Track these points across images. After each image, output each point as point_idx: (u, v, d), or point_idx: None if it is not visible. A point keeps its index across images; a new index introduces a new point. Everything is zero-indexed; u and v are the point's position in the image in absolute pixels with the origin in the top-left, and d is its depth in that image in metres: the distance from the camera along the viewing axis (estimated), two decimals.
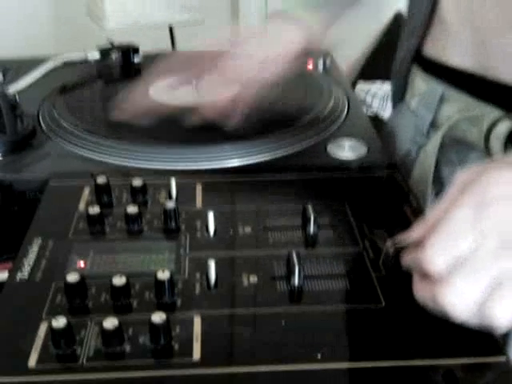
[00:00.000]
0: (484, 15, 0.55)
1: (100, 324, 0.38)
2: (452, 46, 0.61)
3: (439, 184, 0.64)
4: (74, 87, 0.78)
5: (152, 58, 0.87)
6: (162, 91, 0.75)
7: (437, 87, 0.63)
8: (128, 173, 0.57)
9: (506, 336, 0.43)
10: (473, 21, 0.57)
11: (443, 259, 0.36)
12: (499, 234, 0.35)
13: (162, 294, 0.42)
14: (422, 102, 0.66)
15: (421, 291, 0.38)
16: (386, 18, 1.87)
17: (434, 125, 0.64)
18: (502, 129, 0.55)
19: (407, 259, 0.40)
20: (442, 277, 0.36)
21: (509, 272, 0.35)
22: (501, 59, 0.55)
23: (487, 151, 0.57)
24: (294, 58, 0.66)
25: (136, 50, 0.85)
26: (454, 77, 0.61)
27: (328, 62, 0.85)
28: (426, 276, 0.38)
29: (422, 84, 0.66)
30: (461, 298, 0.36)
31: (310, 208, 0.49)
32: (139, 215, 0.50)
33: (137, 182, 0.53)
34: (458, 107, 0.60)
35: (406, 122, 0.69)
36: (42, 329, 0.39)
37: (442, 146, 0.62)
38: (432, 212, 0.40)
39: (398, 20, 1.83)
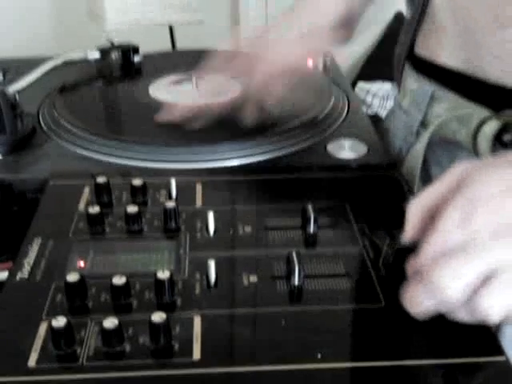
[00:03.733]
0: (472, 14, 0.55)
1: (100, 324, 0.38)
2: (442, 44, 0.61)
3: (428, 183, 0.64)
4: (74, 87, 0.78)
5: (152, 58, 0.88)
6: (163, 89, 0.75)
7: (427, 86, 0.63)
8: (128, 173, 0.57)
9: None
10: (462, 19, 0.57)
11: (433, 251, 0.37)
12: (490, 228, 0.36)
13: (162, 294, 0.42)
14: (412, 101, 0.66)
15: (410, 292, 0.38)
16: (386, 18, 1.87)
17: (423, 124, 0.64)
18: (489, 128, 0.55)
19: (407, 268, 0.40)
20: (433, 263, 0.36)
21: (501, 264, 0.35)
22: (489, 58, 0.55)
23: (475, 151, 0.57)
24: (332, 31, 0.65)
25: (136, 50, 0.85)
26: (444, 76, 0.61)
27: (328, 61, 0.85)
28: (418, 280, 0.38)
29: (413, 83, 0.66)
30: (452, 286, 0.35)
31: (309, 208, 0.49)
32: (139, 215, 0.50)
33: (137, 182, 0.53)
34: (447, 107, 0.60)
35: (398, 121, 0.69)
36: (42, 329, 0.39)
37: (431, 146, 0.62)
38: (420, 207, 0.40)
39: (398, 20, 1.83)
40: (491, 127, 0.55)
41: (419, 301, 0.37)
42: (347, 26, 0.67)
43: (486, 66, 0.55)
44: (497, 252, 0.35)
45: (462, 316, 0.37)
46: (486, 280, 0.35)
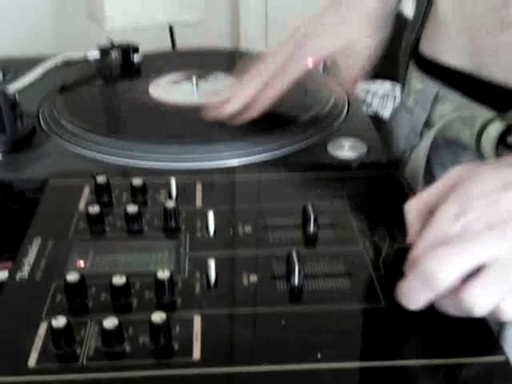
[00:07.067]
0: (476, 14, 0.55)
1: (100, 324, 0.38)
2: (447, 44, 0.61)
3: (431, 184, 0.64)
4: (74, 86, 0.78)
5: (152, 58, 0.88)
6: (163, 89, 0.75)
7: (432, 86, 0.63)
8: (128, 172, 0.57)
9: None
10: (466, 20, 0.57)
11: (427, 243, 0.37)
12: (484, 222, 0.36)
13: (162, 294, 0.42)
14: (417, 101, 0.65)
15: (405, 286, 0.38)
16: None
17: (428, 124, 0.64)
18: (493, 130, 0.55)
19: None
20: (426, 252, 0.37)
21: (491, 258, 0.35)
22: (494, 59, 0.55)
23: (479, 152, 0.57)
24: None
25: (136, 50, 0.85)
26: (449, 76, 0.60)
27: (328, 61, 0.85)
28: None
29: (417, 83, 0.65)
30: (442, 274, 0.35)
31: (310, 207, 0.49)
32: (139, 215, 0.50)
33: (137, 182, 0.53)
34: (451, 107, 0.60)
35: (402, 121, 0.69)
36: (42, 329, 0.39)
37: (435, 146, 0.62)
38: (419, 207, 0.40)
39: (398, 20, 1.83)
40: (495, 128, 0.55)
41: (413, 294, 0.38)
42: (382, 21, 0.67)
43: (490, 67, 0.55)
44: (489, 246, 0.35)
45: (449, 308, 0.37)
46: (476, 273, 0.35)
